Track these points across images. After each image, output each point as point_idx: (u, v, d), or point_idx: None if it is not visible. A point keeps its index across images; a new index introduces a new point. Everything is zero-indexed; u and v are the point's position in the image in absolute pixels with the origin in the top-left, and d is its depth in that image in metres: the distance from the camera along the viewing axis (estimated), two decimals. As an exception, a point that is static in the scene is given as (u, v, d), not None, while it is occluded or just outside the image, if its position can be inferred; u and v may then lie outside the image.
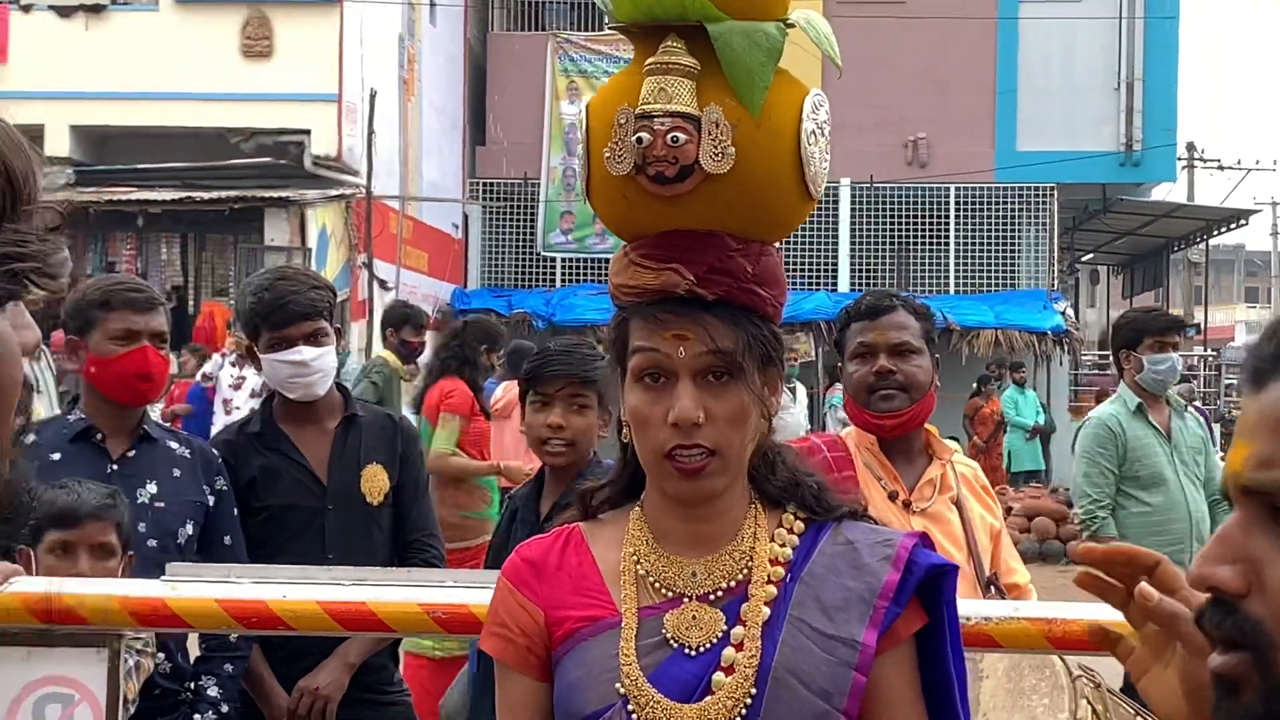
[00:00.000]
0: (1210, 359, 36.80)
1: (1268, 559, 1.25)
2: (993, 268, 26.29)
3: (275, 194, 18.99)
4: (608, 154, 2.08)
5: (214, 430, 13.17)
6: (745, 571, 2.10)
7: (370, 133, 20.34)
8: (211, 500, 4.18)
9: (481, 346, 8.75)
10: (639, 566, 2.13)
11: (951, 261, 26.28)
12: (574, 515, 2.27)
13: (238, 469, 4.38)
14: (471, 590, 3.27)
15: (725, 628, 2.07)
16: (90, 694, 3.30)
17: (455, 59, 26.05)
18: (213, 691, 4.09)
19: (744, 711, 2.02)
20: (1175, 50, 26.68)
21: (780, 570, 2.10)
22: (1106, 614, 3.11)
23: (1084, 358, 31.21)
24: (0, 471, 1.31)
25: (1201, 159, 46.09)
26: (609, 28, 2.25)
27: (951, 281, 26.28)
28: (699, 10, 2.07)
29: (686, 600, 2.10)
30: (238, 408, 13.81)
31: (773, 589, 2.09)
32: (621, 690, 2.05)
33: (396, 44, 22.48)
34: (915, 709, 2.09)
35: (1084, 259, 37.95)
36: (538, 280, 26.57)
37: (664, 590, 2.11)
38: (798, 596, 2.07)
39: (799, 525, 2.16)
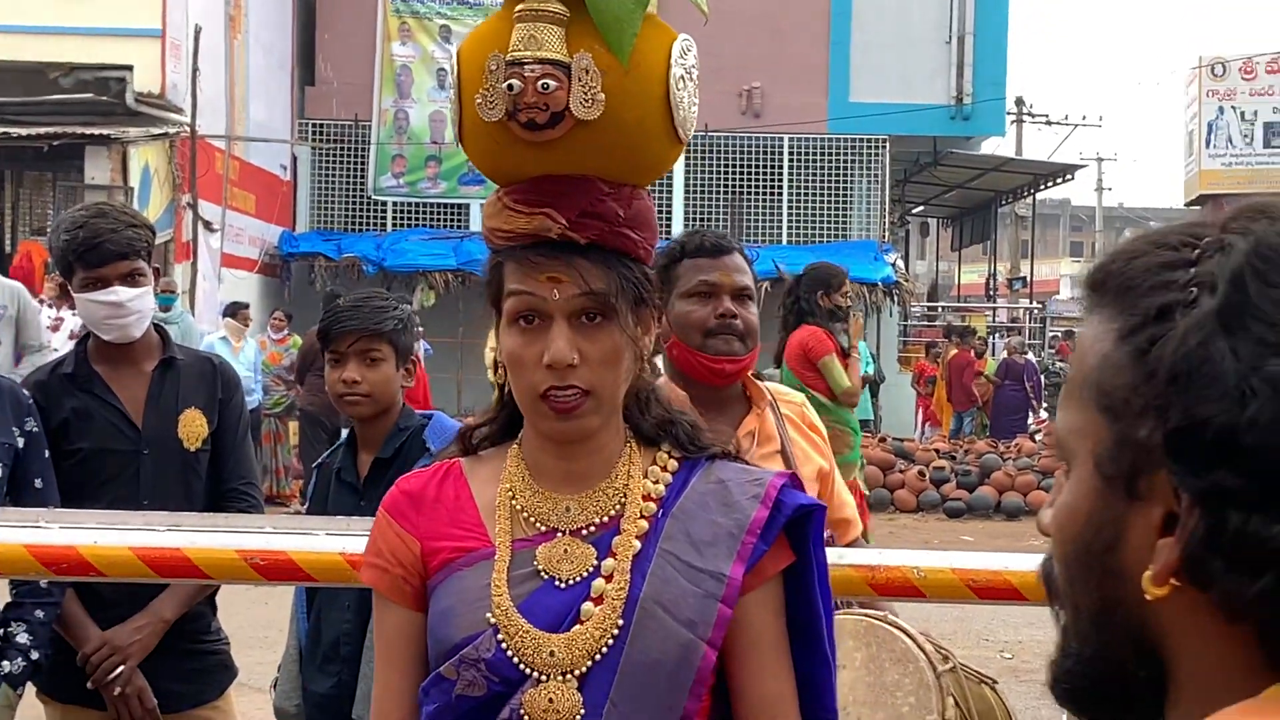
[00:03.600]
0: (1036, 311, 37.62)
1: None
2: (825, 218, 26.57)
3: (96, 131, 18.58)
4: (479, 100, 2.11)
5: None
6: (618, 507, 2.17)
7: (195, 70, 19.98)
8: (21, 442, 4.04)
9: (818, 292, 8.80)
10: (514, 501, 2.19)
11: (785, 212, 26.51)
12: (454, 451, 2.32)
13: (49, 411, 4.23)
14: (290, 536, 3.25)
15: (596, 561, 2.13)
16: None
17: (284, -5, 25.64)
18: (23, 638, 3.97)
19: (611, 641, 2.08)
20: (1005, 5, 27.10)
21: (652, 506, 2.17)
22: (925, 560, 3.15)
23: (913, 309, 31.72)
24: None
25: (1030, 114, 47.03)
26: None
27: (785, 232, 26.50)
28: None
29: (560, 534, 2.16)
30: (55, 349, 13.51)
31: (644, 523, 2.15)
32: (491, 619, 2.10)
33: (224, -21, 22.05)
34: (779, 645, 2.16)
35: (915, 211, 38.56)
36: (368, 224, 26.33)
37: (537, 524, 2.17)
38: (668, 531, 2.14)
39: (673, 464, 2.22)
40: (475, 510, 2.21)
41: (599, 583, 2.10)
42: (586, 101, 2.07)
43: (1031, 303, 39.03)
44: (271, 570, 3.20)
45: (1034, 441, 20.43)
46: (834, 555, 3.16)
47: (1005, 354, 25.70)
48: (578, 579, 2.12)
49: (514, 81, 2.06)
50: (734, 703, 2.15)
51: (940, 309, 37.36)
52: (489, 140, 2.15)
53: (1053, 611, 1.25)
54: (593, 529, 2.16)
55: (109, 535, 3.22)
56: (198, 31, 19.97)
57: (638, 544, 2.13)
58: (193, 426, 4.33)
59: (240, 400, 4.53)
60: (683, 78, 2.17)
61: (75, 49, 18.99)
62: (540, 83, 2.06)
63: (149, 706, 4.21)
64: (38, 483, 4.07)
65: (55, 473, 4.14)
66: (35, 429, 4.10)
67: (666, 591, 2.09)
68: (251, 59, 23.54)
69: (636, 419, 2.24)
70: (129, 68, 19.07)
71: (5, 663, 3.95)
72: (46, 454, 4.12)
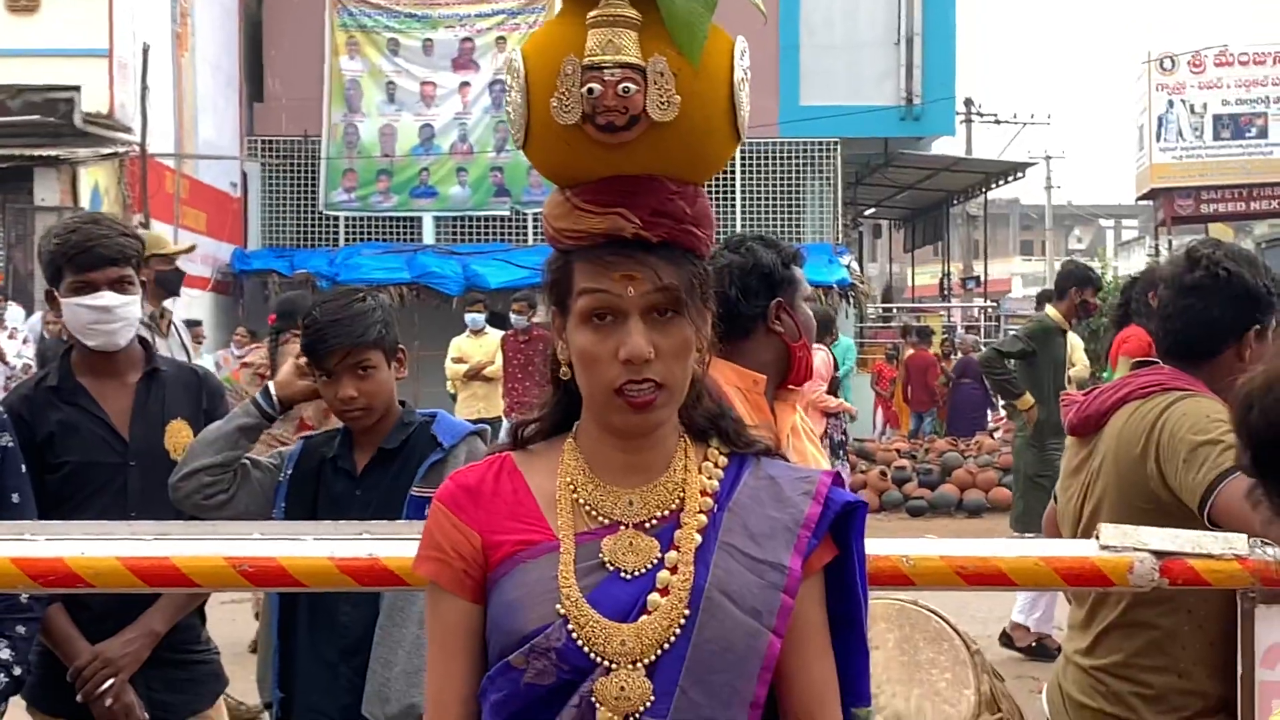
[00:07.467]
0: (990, 310, 37.81)
1: None
2: (779, 222, 26.63)
3: (45, 152, 18.49)
4: (554, 104, 2.15)
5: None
6: (678, 501, 2.24)
7: (144, 89, 19.91)
8: (-5, 458, 4.00)
9: (1149, 293, 9.25)
10: (575, 495, 2.25)
11: (738, 216, 26.54)
12: (504, 445, 2.37)
13: (34, 424, 4.23)
14: (279, 542, 3.22)
15: (659, 554, 2.20)
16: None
17: (230, 13, 25.58)
18: (4, 654, 3.93)
19: (678, 630, 2.15)
20: (953, 6, 27.26)
21: (709, 500, 2.24)
22: (915, 549, 3.15)
23: (869, 311, 31.81)
24: None
25: (979, 113, 47.22)
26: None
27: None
28: None
29: (623, 527, 2.22)
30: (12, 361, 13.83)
31: (704, 517, 2.22)
32: (561, 610, 2.16)
33: (169, -3, 21.98)
34: (823, 634, 2.25)
35: (867, 213, 38.71)
36: (320, 239, 26.30)
37: (600, 518, 2.23)
38: (726, 524, 2.21)
39: (723, 459, 2.30)
40: (534, 503, 2.26)
41: (664, 574, 2.17)
42: (663, 104, 2.13)
43: (986, 301, 39.19)
44: (260, 577, 3.17)
45: (994, 439, 20.47)
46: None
47: (961, 353, 25.80)
48: (643, 570, 2.19)
49: (594, 85, 2.12)
50: (780, 687, 2.23)
51: (896, 310, 37.51)
52: (559, 143, 2.19)
53: None
54: (655, 522, 2.22)
55: (96, 546, 3.19)
56: (145, 50, 19.89)
57: (699, 537, 2.19)
58: (179, 437, 4.31)
59: (225, 410, 4.48)
60: (743, 79, 2.24)
61: (22, 70, 18.89)
62: (621, 86, 2.11)
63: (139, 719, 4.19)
64: (15, 498, 4.03)
65: (42, 486, 4.13)
66: (10, 444, 4.06)
67: (731, 582, 2.16)
68: (199, 77, 23.49)
69: (689, 412, 2.29)
70: (76, 88, 19.01)
71: (-13, 678, 3.91)
72: (23, 469, 4.08)
